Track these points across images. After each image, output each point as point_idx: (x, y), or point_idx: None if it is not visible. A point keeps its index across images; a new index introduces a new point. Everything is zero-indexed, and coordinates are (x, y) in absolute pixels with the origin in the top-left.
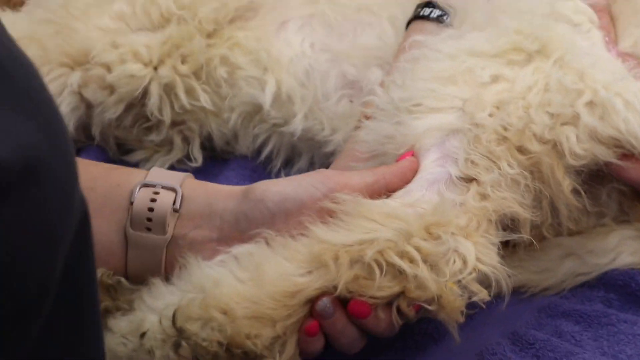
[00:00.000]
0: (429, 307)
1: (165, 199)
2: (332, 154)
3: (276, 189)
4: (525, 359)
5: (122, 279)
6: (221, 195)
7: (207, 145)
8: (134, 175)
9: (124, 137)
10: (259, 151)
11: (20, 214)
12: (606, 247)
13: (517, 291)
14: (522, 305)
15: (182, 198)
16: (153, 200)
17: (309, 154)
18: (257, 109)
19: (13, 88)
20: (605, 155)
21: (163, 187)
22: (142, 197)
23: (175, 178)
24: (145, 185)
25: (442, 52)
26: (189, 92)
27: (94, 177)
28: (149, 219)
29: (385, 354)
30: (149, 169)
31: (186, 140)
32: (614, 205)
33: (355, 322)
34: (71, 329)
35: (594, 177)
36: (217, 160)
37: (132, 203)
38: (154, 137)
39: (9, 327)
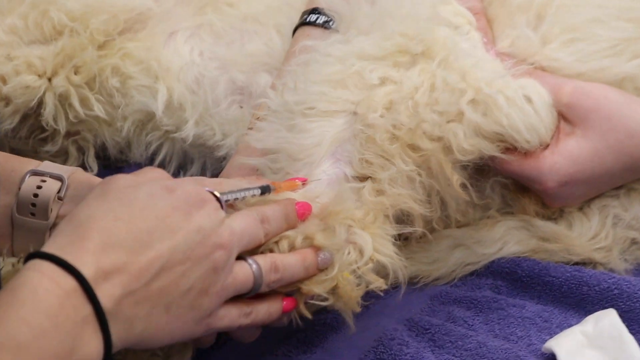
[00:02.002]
0: (322, 302)
1: (50, 187)
2: (224, 158)
3: None
4: (422, 343)
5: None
6: None
7: (102, 154)
8: (29, 164)
9: (20, 148)
10: (152, 158)
11: None
12: (493, 237)
13: (410, 282)
14: (415, 295)
15: (67, 187)
16: (39, 187)
17: (201, 159)
18: (149, 116)
19: None
20: (490, 149)
21: (51, 176)
22: (29, 184)
23: (65, 169)
24: (35, 173)
25: (331, 56)
26: (83, 101)
27: None
28: (33, 205)
29: (286, 344)
30: None
31: (81, 150)
32: (497, 198)
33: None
34: None
35: (478, 171)
36: (111, 169)
37: (19, 189)
38: (49, 147)
39: None
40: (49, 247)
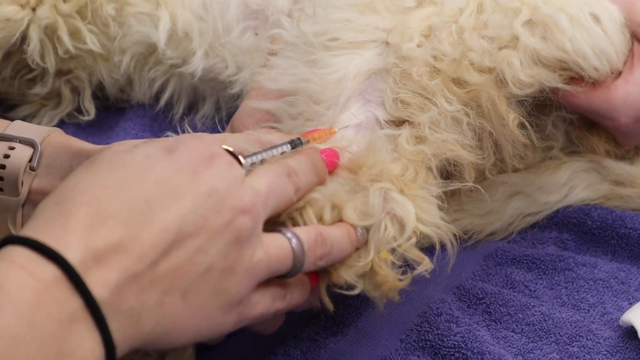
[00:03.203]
0: (349, 292)
1: (20, 155)
2: (239, 95)
3: None
4: (474, 317)
5: None
6: (83, 155)
7: (100, 94)
8: None
9: (5, 91)
10: (157, 97)
11: None
12: (557, 183)
13: (459, 238)
14: (466, 254)
15: (41, 155)
16: (6, 157)
17: (213, 96)
18: (151, 49)
19: None
20: (552, 80)
21: (20, 141)
22: None
23: (38, 132)
24: (2, 138)
25: None
26: (74, 34)
27: None
28: (0, 178)
29: (312, 326)
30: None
31: (75, 91)
32: (561, 136)
33: None
34: None
35: (538, 108)
36: (111, 111)
37: None
38: (39, 89)
39: None
40: (24, 230)
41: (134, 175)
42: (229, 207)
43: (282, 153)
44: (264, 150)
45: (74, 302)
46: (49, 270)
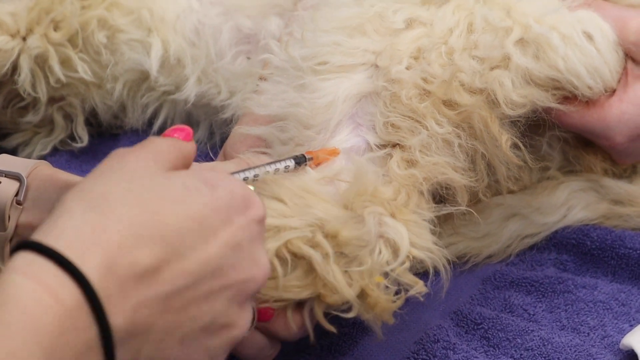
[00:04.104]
0: (343, 314)
1: (6, 189)
2: (231, 120)
3: None
4: (472, 342)
5: None
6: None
7: (93, 121)
8: None
9: None
10: (150, 123)
11: None
12: (554, 203)
13: (456, 262)
14: (464, 278)
15: (27, 188)
16: None
17: (206, 121)
18: (143, 76)
19: None
20: (545, 100)
21: (6, 175)
22: None
23: (24, 165)
24: None
25: None
26: (65, 62)
27: None
28: None
29: (307, 355)
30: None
31: (68, 118)
32: (557, 155)
33: (259, 327)
34: None
35: (532, 128)
36: (105, 138)
37: None
38: (31, 117)
39: None
40: (46, 234)
41: (170, 204)
42: (247, 269)
43: (285, 167)
44: (269, 164)
45: (91, 331)
46: (73, 294)
